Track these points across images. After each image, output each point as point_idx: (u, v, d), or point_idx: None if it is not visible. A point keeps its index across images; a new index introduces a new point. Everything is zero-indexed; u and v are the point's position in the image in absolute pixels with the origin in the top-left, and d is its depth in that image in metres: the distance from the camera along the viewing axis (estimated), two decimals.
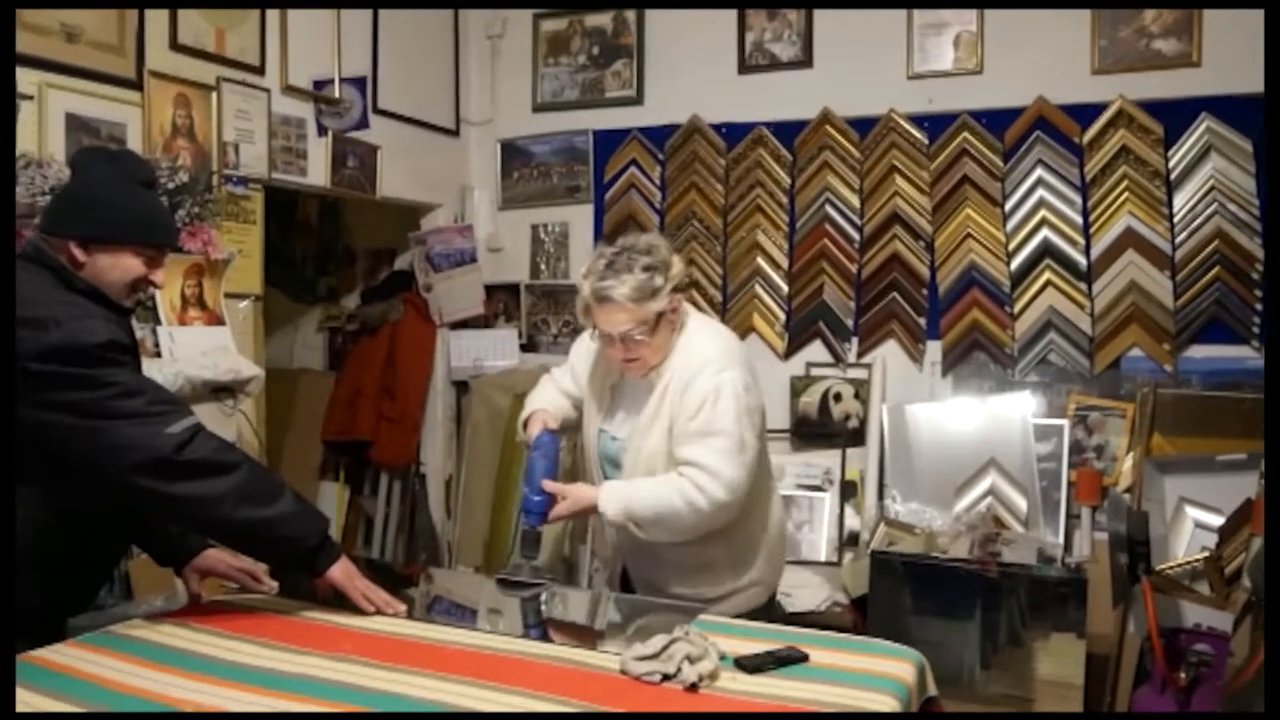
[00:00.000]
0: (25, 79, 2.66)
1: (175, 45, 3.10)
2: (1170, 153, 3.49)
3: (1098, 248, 3.59)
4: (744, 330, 4.09)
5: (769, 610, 2.42)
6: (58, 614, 1.90)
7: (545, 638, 1.92)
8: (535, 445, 2.28)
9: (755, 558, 2.35)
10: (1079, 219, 3.62)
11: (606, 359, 2.33)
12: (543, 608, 2.17)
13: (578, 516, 2.25)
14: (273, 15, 3.45)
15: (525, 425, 2.39)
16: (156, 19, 3.04)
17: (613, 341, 2.20)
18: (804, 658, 1.72)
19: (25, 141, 2.65)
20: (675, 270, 2.19)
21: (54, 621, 1.88)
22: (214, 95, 3.22)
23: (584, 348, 2.44)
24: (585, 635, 2.08)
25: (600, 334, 2.23)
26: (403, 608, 1.96)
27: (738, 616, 2.14)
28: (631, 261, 2.14)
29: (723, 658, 1.67)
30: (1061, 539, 3.44)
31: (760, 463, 2.26)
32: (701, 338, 2.25)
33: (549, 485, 2.21)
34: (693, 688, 1.57)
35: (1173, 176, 3.49)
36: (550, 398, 2.46)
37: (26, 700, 1.51)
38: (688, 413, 2.14)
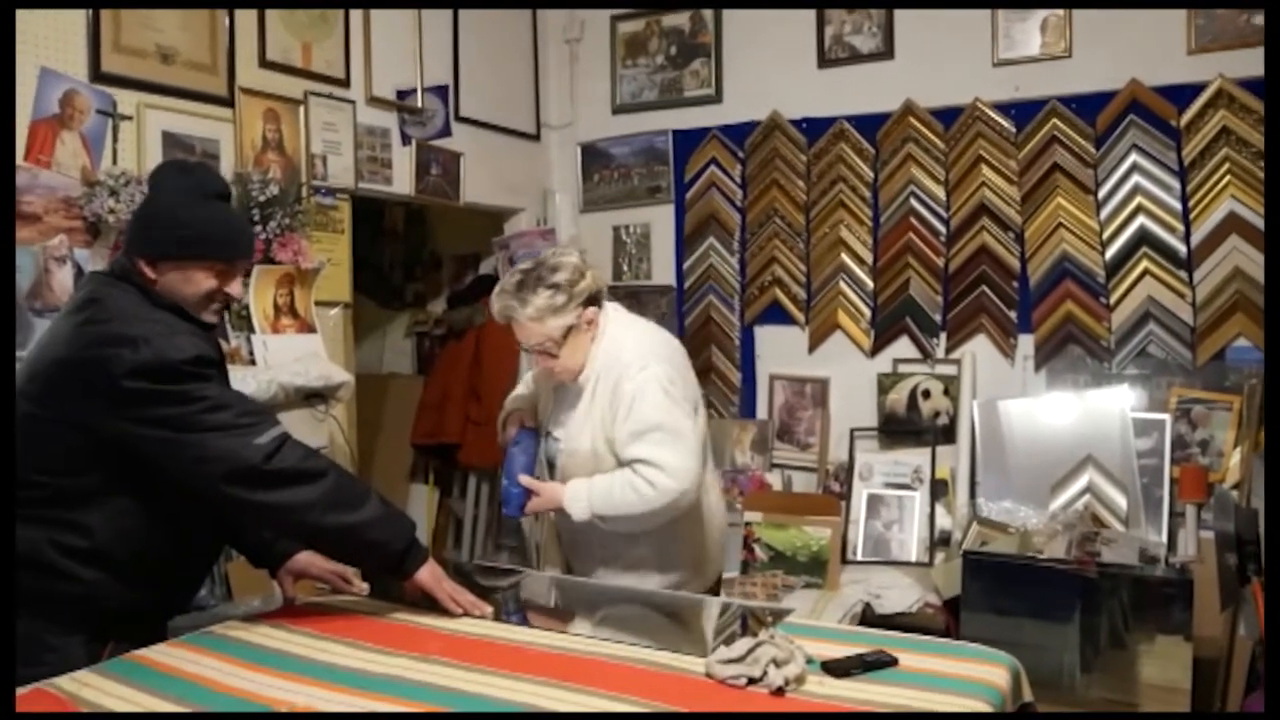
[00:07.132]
0: (124, 99, 2.78)
1: (264, 62, 3.19)
2: None
3: (1198, 234, 3.45)
4: (829, 327, 4.04)
5: None
6: (158, 616, 1.96)
7: (525, 622, 2.01)
8: (515, 441, 2.43)
9: (684, 557, 2.40)
10: (1177, 205, 3.49)
11: None
12: (521, 593, 2.35)
13: (549, 510, 2.41)
14: (356, 29, 3.53)
15: (504, 425, 2.52)
16: (246, 38, 3.14)
17: (531, 351, 2.33)
18: (893, 662, 1.69)
19: (125, 160, 2.77)
20: (582, 287, 2.26)
21: (155, 622, 1.94)
22: (302, 109, 3.31)
23: None
24: (561, 618, 2.21)
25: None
26: (489, 609, 1.98)
27: None
28: (538, 281, 2.24)
29: (810, 661, 1.64)
30: (1165, 538, 3.31)
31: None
32: (620, 341, 2.32)
33: (524, 480, 2.35)
34: (779, 692, 1.55)
35: None
36: (522, 399, 2.59)
37: (131, 697, 1.57)
38: (620, 416, 2.24)
